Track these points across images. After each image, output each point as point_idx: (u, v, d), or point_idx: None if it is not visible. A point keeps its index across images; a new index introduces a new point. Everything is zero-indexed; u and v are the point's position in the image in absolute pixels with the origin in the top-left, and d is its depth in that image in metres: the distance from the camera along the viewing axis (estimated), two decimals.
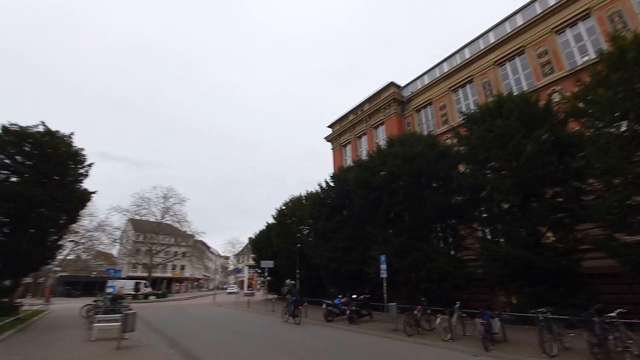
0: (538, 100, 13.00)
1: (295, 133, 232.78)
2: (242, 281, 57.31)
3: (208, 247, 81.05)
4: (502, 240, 13.07)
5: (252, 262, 41.78)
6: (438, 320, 10.44)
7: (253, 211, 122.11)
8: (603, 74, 9.89)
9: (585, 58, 15.98)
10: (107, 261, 54.64)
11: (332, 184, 21.88)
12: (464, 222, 15.46)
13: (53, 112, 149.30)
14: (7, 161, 15.02)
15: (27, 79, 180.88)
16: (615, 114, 9.35)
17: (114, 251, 51.22)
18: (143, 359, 7.84)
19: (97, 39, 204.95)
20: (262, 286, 26.95)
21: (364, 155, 24.79)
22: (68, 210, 16.60)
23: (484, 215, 14.12)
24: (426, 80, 24.63)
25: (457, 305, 10.75)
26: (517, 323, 11.36)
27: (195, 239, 54.62)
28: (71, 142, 16.95)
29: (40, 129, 16.14)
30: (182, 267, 63.77)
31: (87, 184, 17.84)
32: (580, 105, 10.58)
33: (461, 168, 15.38)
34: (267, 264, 25.05)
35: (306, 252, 22.53)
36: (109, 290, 28.28)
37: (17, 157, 15.20)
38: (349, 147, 29.87)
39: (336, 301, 15.62)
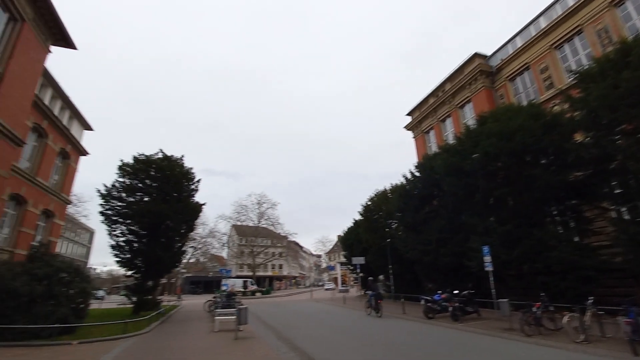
0: None
1: (372, 128, 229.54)
2: (336, 278, 58.94)
3: (301, 247, 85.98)
4: None
5: (343, 259, 42.61)
6: (565, 318, 8.80)
7: (338, 209, 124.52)
8: None
9: None
10: (219, 263, 62.81)
11: (417, 174, 20.71)
12: (588, 201, 12.80)
13: (164, 138, 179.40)
14: (140, 185, 18.51)
15: (138, 113, 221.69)
16: None
17: (224, 254, 58.66)
18: (257, 348, 8.64)
19: (187, 70, 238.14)
20: (355, 282, 27.17)
21: (450, 140, 22.80)
22: (186, 220, 19.61)
23: (617, 191, 11.42)
24: (519, 42, 21.27)
25: (590, 301, 8.89)
26: None
27: (288, 239, 58.63)
28: (183, 163, 19.97)
29: (160, 155, 19.46)
30: (280, 266, 69.03)
31: (197, 197, 20.78)
32: None
33: (578, 137, 12.79)
34: (358, 260, 25.16)
35: (397, 246, 21.84)
36: (224, 288, 32.42)
37: (146, 181, 18.59)
38: (432, 133, 27.90)
39: (435, 297, 14.66)
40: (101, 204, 17.58)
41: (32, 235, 16.40)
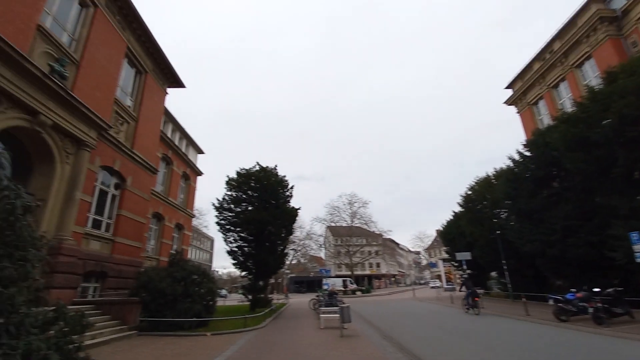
0: None
1: (462, 112, 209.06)
2: (439, 275, 55.25)
3: (397, 244, 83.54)
4: None
5: (445, 255, 39.68)
6: None
7: (434, 202, 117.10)
8: None
9: None
10: (318, 263, 65.90)
11: (527, 153, 17.79)
12: None
13: (259, 151, 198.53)
14: (244, 196, 20.78)
15: (235, 130, 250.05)
16: None
17: (322, 254, 61.23)
18: (362, 347, 8.63)
19: (272, 84, 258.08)
20: (462, 280, 24.89)
21: (567, 108, 18.96)
22: (285, 225, 21.15)
23: None
24: None
25: None
26: None
27: (383, 237, 57.67)
28: (277, 172, 21.66)
29: (257, 167, 21.53)
30: (378, 265, 68.35)
31: (292, 203, 22.20)
32: None
33: None
34: (464, 256, 22.98)
35: (510, 238, 19.15)
36: (325, 287, 33.79)
37: (248, 192, 20.77)
38: (541, 104, 23.71)
39: (569, 296, 12.23)
40: (216, 216, 20.35)
41: (170, 244, 20.05)
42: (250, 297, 19.93)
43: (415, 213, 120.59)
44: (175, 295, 11.99)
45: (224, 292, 45.49)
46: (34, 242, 3.97)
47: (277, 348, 8.96)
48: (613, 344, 8.04)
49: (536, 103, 24.13)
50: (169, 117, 20.65)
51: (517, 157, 18.47)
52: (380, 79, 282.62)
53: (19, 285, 3.54)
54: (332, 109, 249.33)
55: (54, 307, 4.06)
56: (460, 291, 19.88)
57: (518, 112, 26.10)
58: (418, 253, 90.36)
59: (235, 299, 34.17)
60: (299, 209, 22.02)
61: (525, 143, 18.36)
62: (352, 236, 51.30)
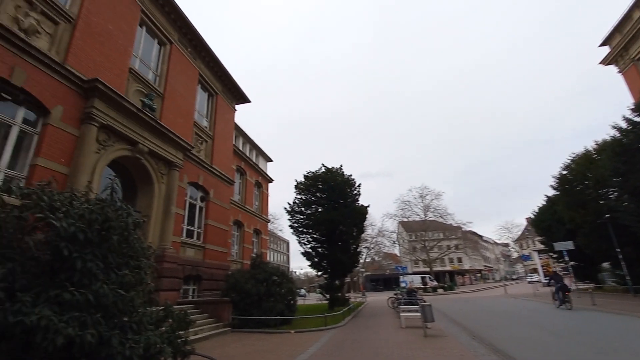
0: None
1: (542, 84, 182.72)
2: (535, 269, 49.03)
3: (480, 237, 76.74)
4: None
5: (540, 246, 35.10)
6: None
7: (517, 188, 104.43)
8: None
9: None
10: (393, 260, 64.23)
11: (638, 118, 14.79)
12: None
13: (323, 151, 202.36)
14: (312, 198, 21.41)
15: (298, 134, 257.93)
16: None
17: (396, 251, 59.56)
18: (450, 348, 8.12)
19: (336, 85, 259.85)
20: (565, 273, 21.67)
21: None
22: (356, 223, 21.15)
23: None
24: None
25: None
26: None
27: (463, 230, 53.55)
28: (342, 172, 21.83)
29: (323, 169, 21.99)
30: (459, 260, 63.71)
31: (361, 201, 22.12)
32: None
33: None
34: (564, 245, 19.97)
35: (623, 222, 16.06)
36: (402, 284, 32.77)
37: (317, 194, 21.33)
38: None
39: None
40: (289, 219, 21.36)
41: (250, 249, 21.73)
42: (327, 296, 20.40)
43: (498, 201, 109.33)
44: (260, 295, 12.94)
45: (302, 291, 47.44)
46: (145, 252, 4.73)
47: (359, 346, 8.98)
48: None
49: None
50: (239, 131, 22.45)
51: (624, 124, 15.47)
52: (440, 63, 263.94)
53: (137, 289, 4.23)
54: (392, 101, 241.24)
55: (163, 307, 4.78)
56: (548, 285, 18.30)
57: (620, 72, 21.76)
58: (507, 245, 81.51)
59: (313, 298, 35.35)
60: (368, 206, 21.81)
61: (633, 107, 15.27)
62: (427, 230, 48.74)
